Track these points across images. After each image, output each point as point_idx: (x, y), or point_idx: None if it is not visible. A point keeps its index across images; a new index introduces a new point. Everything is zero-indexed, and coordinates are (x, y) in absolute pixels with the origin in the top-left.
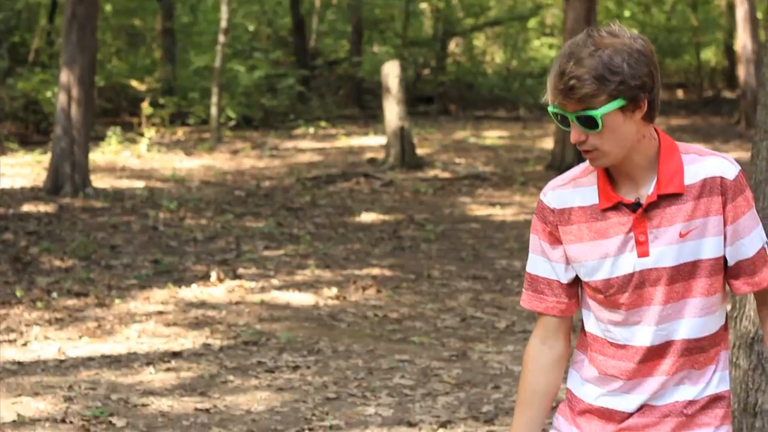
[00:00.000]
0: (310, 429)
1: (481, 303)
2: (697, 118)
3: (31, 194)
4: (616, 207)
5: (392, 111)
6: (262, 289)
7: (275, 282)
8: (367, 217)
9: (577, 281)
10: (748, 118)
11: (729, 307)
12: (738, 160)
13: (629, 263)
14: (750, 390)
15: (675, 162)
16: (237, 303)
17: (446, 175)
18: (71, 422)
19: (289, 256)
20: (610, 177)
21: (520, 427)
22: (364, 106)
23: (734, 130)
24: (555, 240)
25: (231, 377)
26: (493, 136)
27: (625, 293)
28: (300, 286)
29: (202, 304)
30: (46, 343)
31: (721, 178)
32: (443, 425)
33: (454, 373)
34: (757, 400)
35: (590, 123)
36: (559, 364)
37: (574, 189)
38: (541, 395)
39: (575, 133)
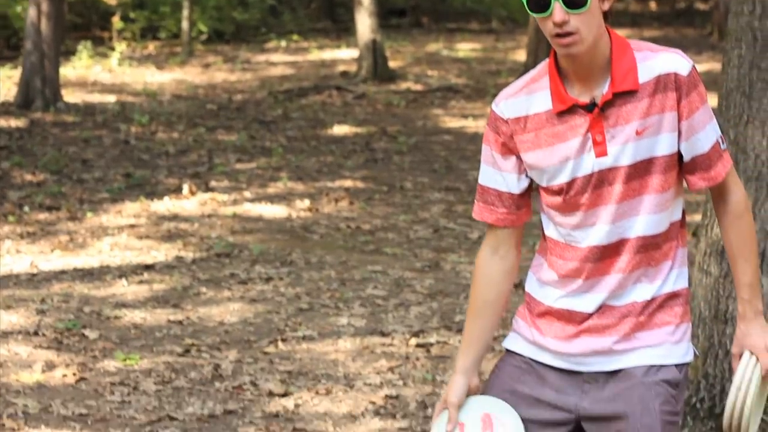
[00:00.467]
0: (283, 339)
1: (453, 214)
2: (670, 29)
3: (2, 109)
4: (572, 110)
5: (364, 24)
6: (235, 202)
7: (247, 194)
8: (339, 129)
9: (529, 191)
10: (721, 29)
11: (703, 215)
12: (710, 72)
13: (588, 164)
14: (721, 297)
15: (628, 59)
16: (209, 216)
17: (419, 87)
18: (44, 335)
19: (262, 169)
20: (563, 81)
21: (472, 337)
22: (336, 19)
23: (707, 42)
24: (507, 150)
25: (204, 289)
26: (465, 48)
27: (584, 194)
28: (272, 199)
29: (175, 217)
30: (18, 256)
31: (675, 74)
32: (416, 335)
33: (427, 284)
34: (728, 306)
35: (578, 0)
36: (510, 274)
37: (527, 96)
38: (492, 304)
39: (559, 14)
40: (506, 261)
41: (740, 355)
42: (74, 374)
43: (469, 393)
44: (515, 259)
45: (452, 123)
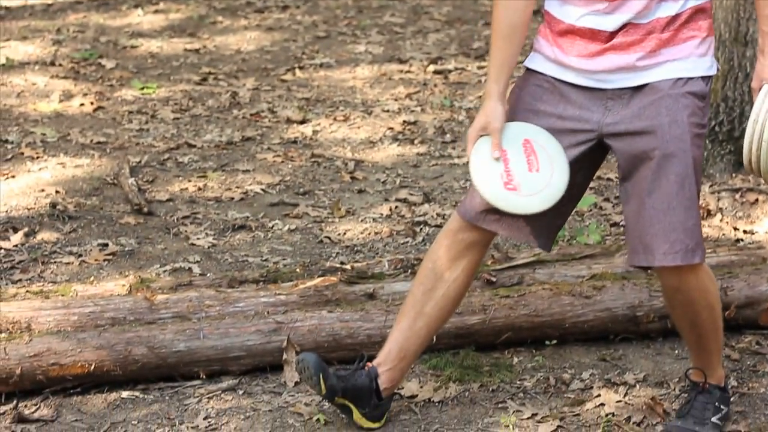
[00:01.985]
0: (300, 67)
1: None
2: None
3: None
4: None
5: None
6: None
7: None
8: None
9: None
10: None
11: None
12: None
13: None
14: (741, 19)
15: None
16: None
17: None
18: (60, 65)
19: None
20: None
21: (502, 62)
22: None
23: None
24: None
25: (220, 18)
26: None
27: None
28: None
29: None
30: None
31: None
32: (434, 61)
33: (445, 11)
34: (749, 29)
35: None
36: None
37: None
38: (517, 28)
39: None
40: None
41: (759, 89)
42: (92, 103)
43: None
44: None
45: None
